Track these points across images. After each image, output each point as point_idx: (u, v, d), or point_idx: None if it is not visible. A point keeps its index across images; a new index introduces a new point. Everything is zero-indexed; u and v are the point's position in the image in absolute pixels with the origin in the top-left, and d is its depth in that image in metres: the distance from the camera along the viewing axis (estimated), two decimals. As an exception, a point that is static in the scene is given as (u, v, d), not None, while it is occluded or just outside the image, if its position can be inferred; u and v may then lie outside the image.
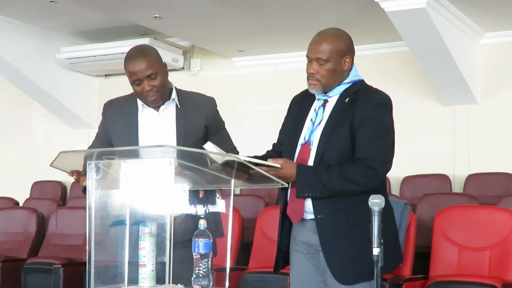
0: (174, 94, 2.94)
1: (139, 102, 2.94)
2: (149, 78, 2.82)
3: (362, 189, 2.60)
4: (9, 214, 6.46)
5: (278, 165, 2.58)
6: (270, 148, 2.94)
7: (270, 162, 2.57)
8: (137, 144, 2.88)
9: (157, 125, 2.92)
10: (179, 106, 2.94)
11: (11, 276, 5.64)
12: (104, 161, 2.40)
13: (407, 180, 6.68)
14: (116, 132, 2.95)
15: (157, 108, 2.93)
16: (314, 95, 2.78)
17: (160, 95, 2.87)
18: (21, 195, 7.83)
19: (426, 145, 6.93)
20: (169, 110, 2.94)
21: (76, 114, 8.24)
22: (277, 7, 6.06)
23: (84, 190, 2.45)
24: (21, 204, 7.50)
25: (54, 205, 6.97)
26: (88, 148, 2.89)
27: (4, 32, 7.16)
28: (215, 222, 2.90)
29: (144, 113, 2.95)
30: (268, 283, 4.52)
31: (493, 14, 6.17)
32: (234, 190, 2.52)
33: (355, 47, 2.78)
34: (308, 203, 2.68)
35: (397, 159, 2.78)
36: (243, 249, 5.26)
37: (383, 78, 6.39)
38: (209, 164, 2.47)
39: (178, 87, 3.00)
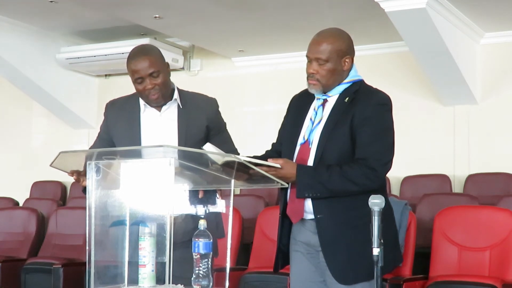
0: (176, 95, 2.95)
1: (141, 102, 2.95)
2: (151, 76, 2.83)
3: (362, 189, 2.60)
4: (9, 214, 6.45)
5: (278, 165, 2.58)
6: (269, 148, 2.94)
7: (270, 162, 2.57)
8: (139, 144, 2.88)
9: (159, 125, 2.93)
10: (181, 107, 2.94)
11: (11, 276, 5.63)
12: (104, 161, 2.40)
13: (407, 180, 6.68)
14: (118, 132, 2.95)
15: (159, 108, 2.94)
16: (313, 94, 2.78)
17: (162, 94, 2.87)
18: (21, 195, 7.83)
19: (426, 145, 6.93)
20: (171, 110, 2.94)
21: (76, 114, 8.24)
22: (277, 7, 6.06)
23: (84, 190, 2.45)
24: (21, 204, 7.49)
25: (54, 205, 6.96)
26: (90, 148, 2.90)
27: (4, 32, 7.16)
28: (216, 222, 2.90)
29: (146, 113, 2.95)
30: (268, 283, 4.51)
31: (493, 14, 6.17)
32: (234, 190, 2.51)
33: (355, 47, 2.78)
34: (308, 203, 2.68)
35: (397, 159, 2.78)
36: (243, 249, 5.26)
37: (383, 78, 6.40)
38: (209, 165, 2.46)
39: (179, 88, 3.01)
